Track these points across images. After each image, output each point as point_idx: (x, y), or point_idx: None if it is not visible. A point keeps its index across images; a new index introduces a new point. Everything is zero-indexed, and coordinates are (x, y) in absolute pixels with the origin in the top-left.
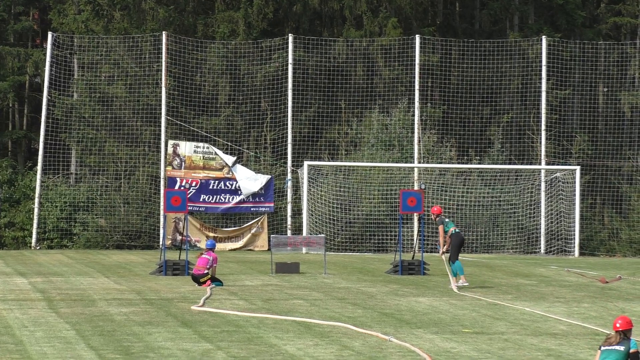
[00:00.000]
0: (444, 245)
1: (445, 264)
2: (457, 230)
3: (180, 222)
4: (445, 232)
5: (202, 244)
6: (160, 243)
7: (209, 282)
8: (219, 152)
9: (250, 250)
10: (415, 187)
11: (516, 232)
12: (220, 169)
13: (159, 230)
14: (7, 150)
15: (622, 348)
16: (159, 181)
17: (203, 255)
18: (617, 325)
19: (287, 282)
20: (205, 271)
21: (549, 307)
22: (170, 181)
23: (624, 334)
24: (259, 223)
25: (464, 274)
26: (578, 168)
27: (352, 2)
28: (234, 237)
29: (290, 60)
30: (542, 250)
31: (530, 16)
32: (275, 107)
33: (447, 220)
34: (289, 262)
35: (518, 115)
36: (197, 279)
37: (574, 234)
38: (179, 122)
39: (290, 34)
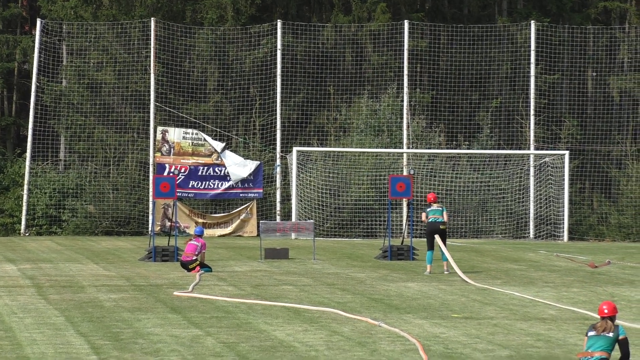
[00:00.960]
0: None
1: (441, 247)
2: (432, 220)
3: (170, 208)
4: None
5: (191, 230)
6: (149, 229)
7: (197, 268)
8: (208, 138)
9: (239, 236)
10: (405, 173)
11: (505, 217)
12: (209, 155)
13: (148, 217)
14: None
15: (610, 334)
16: (148, 167)
17: (191, 242)
18: (605, 311)
19: (276, 268)
20: (194, 257)
21: (538, 291)
22: (159, 167)
23: (611, 320)
24: (248, 209)
25: (430, 264)
26: (567, 153)
27: None
28: (223, 223)
29: (279, 46)
30: (531, 235)
31: (519, 1)
32: (264, 93)
33: (429, 209)
34: (278, 247)
35: (507, 100)
36: (185, 266)
37: (563, 219)
38: (167, 109)
39: (278, 20)
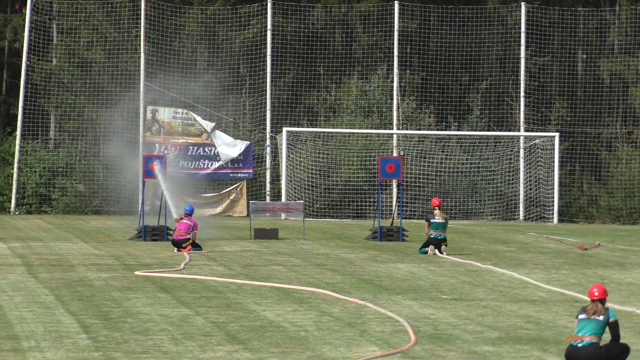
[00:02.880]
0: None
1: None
2: (433, 236)
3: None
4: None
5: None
6: (139, 208)
7: (189, 247)
8: (198, 118)
9: (229, 216)
10: (394, 154)
11: (495, 198)
12: (199, 135)
13: (137, 196)
14: None
15: (600, 318)
16: (138, 147)
17: (183, 220)
18: (595, 294)
19: (265, 248)
20: (187, 236)
21: (527, 273)
22: (149, 147)
23: (601, 303)
24: (238, 189)
25: (423, 251)
26: (557, 135)
27: None
28: (213, 203)
29: (269, 26)
30: (521, 216)
31: None
32: (254, 73)
33: (433, 220)
34: (267, 228)
35: (497, 82)
36: (178, 244)
37: (553, 201)
38: (157, 88)
39: (268, 0)
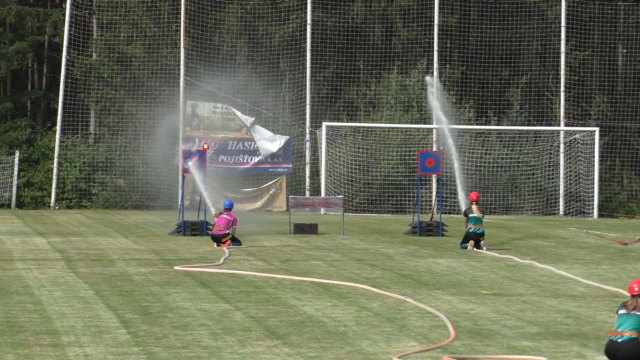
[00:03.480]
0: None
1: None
2: (472, 230)
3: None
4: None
5: (220, 204)
6: (179, 203)
7: (228, 242)
8: (238, 113)
9: (268, 210)
10: (434, 148)
11: (535, 193)
12: (239, 130)
13: (177, 191)
14: (26, 110)
15: None
16: (178, 141)
17: (222, 215)
18: (635, 289)
19: (305, 243)
20: (227, 231)
21: (567, 268)
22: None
23: None
24: (278, 184)
25: (463, 246)
26: (597, 129)
27: None
28: (253, 197)
29: (308, 21)
30: (561, 211)
31: None
32: (294, 67)
33: (471, 215)
34: (307, 223)
35: (537, 77)
36: (218, 239)
37: (593, 196)
38: (197, 83)
39: None
